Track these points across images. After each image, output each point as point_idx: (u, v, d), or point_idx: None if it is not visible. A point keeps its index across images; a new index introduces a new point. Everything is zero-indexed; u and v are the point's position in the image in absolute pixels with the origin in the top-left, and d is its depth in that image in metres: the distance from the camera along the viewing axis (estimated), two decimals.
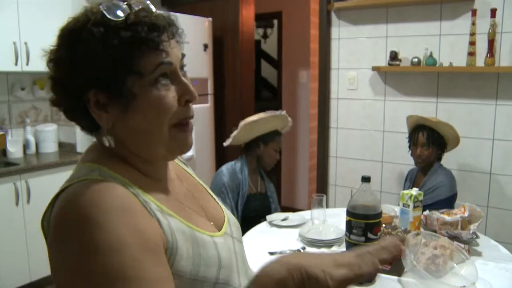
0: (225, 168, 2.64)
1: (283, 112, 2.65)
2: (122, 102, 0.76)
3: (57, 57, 0.78)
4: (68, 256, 0.67)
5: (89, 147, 0.87)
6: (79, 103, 0.78)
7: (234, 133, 2.63)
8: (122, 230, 0.67)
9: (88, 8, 0.77)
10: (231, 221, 1.01)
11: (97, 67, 0.74)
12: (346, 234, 1.56)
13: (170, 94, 0.79)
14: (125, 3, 0.77)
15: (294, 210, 2.62)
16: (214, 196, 1.06)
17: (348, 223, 1.54)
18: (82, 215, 0.67)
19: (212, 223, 0.93)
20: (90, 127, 0.83)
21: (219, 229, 0.93)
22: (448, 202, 2.49)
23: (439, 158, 2.68)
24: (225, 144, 2.68)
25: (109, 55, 0.74)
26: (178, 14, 3.66)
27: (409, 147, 2.73)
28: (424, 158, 2.62)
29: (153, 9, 0.80)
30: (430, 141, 2.59)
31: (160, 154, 0.83)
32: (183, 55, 0.85)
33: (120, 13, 0.75)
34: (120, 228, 0.67)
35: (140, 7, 0.78)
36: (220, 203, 1.05)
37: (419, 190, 2.50)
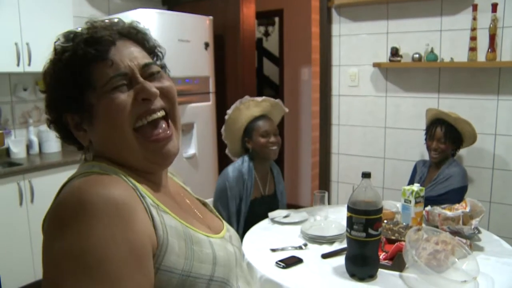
0: (232, 170, 2.44)
1: (245, 99, 2.47)
2: (87, 116, 0.82)
3: (45, 88, 0.87)
4: (58, 240, 0.67)
5: (83, 163, 0.90)
6: (65, 129, 0.87)
7: (227, 147, 2.58)
8: (111, 231, 0.67)
9: (58, 38, 0.86)
10: (231, 231, 1.03)
11: (60, 91, 0.82)
12: (347, 230, 1.56)
13: (122, 96, 0.81)
14: (87, 24, 0.85)
15: (297, 207, 2.61)
16: (214, 211, 1.09)
17: (349, 219, 1.54)
18: (80, 204, 0.68)
19: (209, 229, 0.94)
20: (81, 147, 0.90)
21: (217, 233, 0.94)
22: (460, 192, 2.50)
23: (453, 154, 2.70)
24: (233, 158, 2.61)
25: (63, 77, 0.81)
26: (179, 13, 3.67)
27: (425, 139, 2.73)
28: (440, 152, 2.62)
29: (115, 22, 0.87)
30: (447, 136, 2.59)
31: (138, 163, 0.84)
32: (147, 64, 0.85)
33: (68, 39, 0.83)
34: (110, 227, 0.67)
35: (88, 27, 0.85)
36: (219, 216, 1.07)
37: (433, 182, 2.54)
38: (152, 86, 0.83)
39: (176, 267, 0.75)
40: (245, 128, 2.50)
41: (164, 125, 0.86)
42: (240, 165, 2.46)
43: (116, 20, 0.88)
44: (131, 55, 0.83)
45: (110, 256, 0.66)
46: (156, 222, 0.76)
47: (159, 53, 0.94)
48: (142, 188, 0.79)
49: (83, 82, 0.80)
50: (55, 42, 0.84)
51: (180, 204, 0.92)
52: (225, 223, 1.04)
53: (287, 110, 2.66)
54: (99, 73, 0.80)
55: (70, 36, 0.82)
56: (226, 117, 2.49)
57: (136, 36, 0.88)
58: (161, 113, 0.85)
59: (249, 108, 2.47)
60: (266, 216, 2.33)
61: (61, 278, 0.65)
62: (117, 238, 0.67)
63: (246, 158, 2.50)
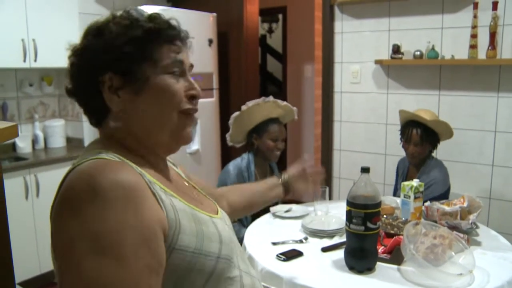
0: (232, 167, 2.54)
1: (268, 99, 2.52)
2: (136, 86, 0.85)
3: (82, 46, 0.87)
4: (69, 223, 0.71)
5: (92, 141, 0.92)
6: (93, 89, 0.86)
7: (229, 132, 2.59)
8: (124, 215, 0.71)
9: (113, 12, 0.90)
10: (224, 213, 1.08)
11: (118, 51, 0.84)
12: (346, 224, 1.59)
13: (179, 85, 0.89)
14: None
15: (299, 202, 2.63)
16: (207, 195, 1.13)
17: (348, 213, 1.57)
18: (92, 188, 0.71)
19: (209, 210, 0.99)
20: (98, 116, 0.90)
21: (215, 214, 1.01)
22: (443, 198, 2.49)
23: (431, 151, 2.65)
24: (229, 143, 2.66)
25: (131, 42, 0.84)
26: (183, 10, 3.70)
27: (401, 139, 2.69)
28: (416, 156, 2.58)
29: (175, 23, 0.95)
30: (423, 138, 2.53)
31: (164, 141, 0.90)
32: (192, 66, 0.97)
33: (144, 12, 0.90)
34: (123, 212, 0.71)
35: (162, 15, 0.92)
36: (213, 200, 1.12)
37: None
38: (199, 87, 0.94)
39: (189, 246, 0.80)
40: (257, 125, 2.55)
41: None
42: (240, 162, 2.55)
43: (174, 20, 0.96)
44: (187, 51, 0.95)
45: (123, 239, 0.69)
46: (167, 205, 0.80)
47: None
48: (148, 175, 0.83)
49: (148, 53, 0.86)
50: (127, 11, 0.90)
51: (182, 189, 0.97)
52: (217, 206, 1.09)
53: (296, 117, 2.72)
54: (166, 52, 0.88)
55: (137, 14, 0.89)
56: (244, 107, 2.52)
57: (188, 40, 0.97)
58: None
59: (269, 108, 2.53)
60: (268, 210, 2.37)
61: (79, 258, 0.68)
62: (129, 222, 0.71)
63: (245, 156, 2.58)
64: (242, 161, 2.56)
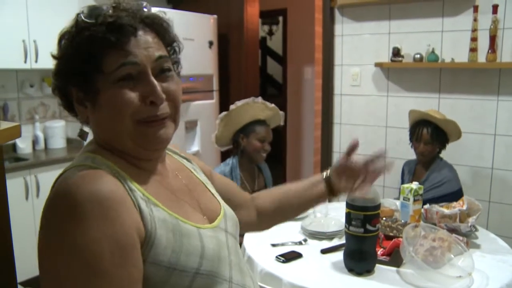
0: (217, 171, 2.53)
1: (257, 99, 2.51)
2: (91, 98, 0.82)
3: (54, 60, 0.86)
4: (49, 236, 0.73)
5: (89, 141, 0.92)
6: (68, 100, 0.87)
7: (215, 133, 2.58)
8: (101, 226, 0.71)
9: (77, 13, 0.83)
10: (228, 215, 1.01)
11: (70, 65, 0.82)
12: (345, 226, 1.60)
13: (131, 93, 0.80)
14: (113, 5, 0.83)
15: None
16: (213, 191, 1.07)
17: (348, 215, 1.58)
18: (70, 202, 0.72)
19: (204, 216, 0.94)
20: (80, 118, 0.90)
21: (212, 222, 0.94)
22: (457, 196, 2.51)
23: (440, 152, 2.70)
24: (215, 145, 2.66)
25: (77, 53, 0.80)
26: (183, 12, 3.71)
27: (410, 140, 2.73)
28: (427, 155, 2.63)
29: (143, 7, 0.86)
30: (434, 137, 2.58)
31: (130, 148, 0.85)
32: (161, 57, 0.85)
33: (91, 14, 0.81)
34: (100, 223, 0.71)
35: (114, 6, 0.83)
36: (219, 197, 1.06)
37: (422, 184, 2.54)
38: (160, 90, 0.83)
39: (162, 260, 0.77)
40: (244, 125, 2.55)
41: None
42: (222, 167, 2.56)
43: (144, 4, 0.87)
44: (148, 45, 0.83)
45: (102, 251, 0.70)
46: (145, 214, 0.78)
47: (176, 48, 0.93)
48: (131, 182, 0.81)
49: (95, 64, 0.80)
50: (77, 14, 0.82)
51: (175, 192, 0.92)
52: (223, 205, 1.03)
53: (282, 123, 2.73)
54: (111, 59, 0.79)
55: (94, 13, 0.80)
56: (233, 106, 2.51)
57: (159, 26, 0.87)
58: (163, 117, 0.85)
59: (257, 109, 2.53)
60: None
61: (59, 272, 0.70)
62: (107, 233, 0.71)
63: (229, 160, 2.58)
64: (226, 166, 2.56)
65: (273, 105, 2.57)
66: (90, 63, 0.80)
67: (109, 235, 0.70)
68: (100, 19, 0.80)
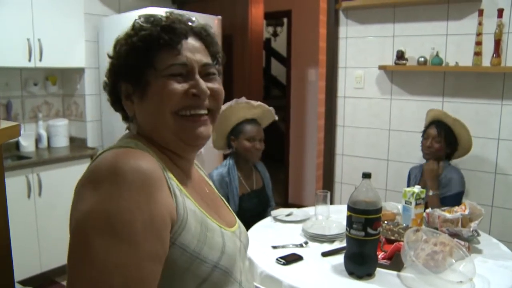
0: (215, 175, 2.53)
1: (240, 100, 2.52)
2: (140, 91, 0.89)
3: (109, 59, 0.94)
4: (88, 196, 0.75)
5: (124, 135, 0.97)
6: (116, 98, 0.96)
7: (213, 138, 2.60)
8: (138, 198, 0.74)
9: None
10: (241, 229, 1.08)
11: (125, 61, 0.90)
12: (346, 229, 1.59)
13: (177, 85, 0.89)
14: (167, 14, 0.95)
15: (301, 207, 2.64)
16: (228, 205, 1.14)
17: (349, 218, 1.57)
18: (113, 169, 0.75)
19: (223, 221, 0.99)
20: (125, 117, 0.97)
21: (230, 227, 1.00)
22: (458, 198, 2.51)
23: (448, 157, 2.69)
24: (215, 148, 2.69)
25: (132, 49, 0.89)
26: (188, 12, 3.71)
27: (422, 136, 2.74)
28: (433, 151, 2.62)
29: (193, 20, 0.97)
30: (442, 135, 2.60)
31: (170, 141, 0.91)
32: (207, 64, 0.94)
33: (147, 20, 0.91)
34: (138, 195, 0.74)
35: (167, 16, 0.94)
36: (233, 212, 1.12)
37: (434, 180, 2.54)
38: (205, 85, 0.91)
39: (189, 246, 0.82)
40: (233, 127, 2.56)
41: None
42: (222, 169, 2.56)
43: (193, 18, 0.98)
44: (196, 51, 0.92)
45: (133, 221, 0.72)
46: (179, 201, 0.82)
47: (219, 59, 1.02)
48: (169, 172, 0.86)
49: (148, 60, 0.88)
50: (135, 20, 0.92)
51: (201, 194, 0.97)
52: (237, 220, 1.09)
53: (277, 118, 2.71)
54: (163, 58, 0.88)
55: (150, 19, 0.91)
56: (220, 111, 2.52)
57: (205, 37, 0.96)
58: (204, 112, 0.93)
59: (242, 109, 2.54)
60: (256, 210, 2.39)
61: (90, 234, 0.71)
62: (141, 206, 0.74)
63: (226, 161, 2.60)
64: (224, 167, 2.57)
65: (258, 102, 2.57)
66: (143, 59, 0.88)
67: (143, 208, 0.74)
68: (156, 23, 0.90)
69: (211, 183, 1.16)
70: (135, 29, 0.91)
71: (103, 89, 0.99)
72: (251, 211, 2.46)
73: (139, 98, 0.90)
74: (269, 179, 2.78)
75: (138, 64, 0.89)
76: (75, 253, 0.72)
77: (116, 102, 0.97)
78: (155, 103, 0.89)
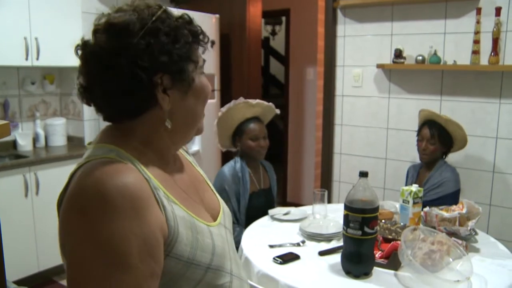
0: (227, 169, 2.54)
1: (238, 101, 2.52)
2: (184, 86, 0.89)
3: (123, 45, 0.84)
4: (79, 226, 0.74)
5: (102, 130, 0.93)
6: (132, 88, 0.84)
7: (218, 139, 2.63)
8: (130, 224, 0.73)
9: (143, 8, 0.87)
10: (225, 211, 1.08)
11: (173, 53, 0.86)
12: (343, 228, 1.59)
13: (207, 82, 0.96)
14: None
15: (299, 206, 2.63)
16: (211, 186, 1.13)
17: (346, 217, 1.57)
18: (101, 194, 0.73)
19: (209, 214, 0.99)
20: (123, 113, 0.89)
21: (215, 219, 1.00)
22: (453, 197, 2.51)
23: (444, 156, 2.70)
24: (221, 149, 2.71)
25: (183, 44, 0.87)
26: (185, 11, 3.70)
27: (417, 141, 2.74)
28: (428, 153, 2.62)
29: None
30: (436, 136, 2.59)
31: (192, 134, 0.97)
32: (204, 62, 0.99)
33: (177, 16, 0.91)
34: (129, 221, 0.73)
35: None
36: (216, 194, 1.12)
37: (424, 185, 2.54)
38: None
39: (183, 255, 0.82)
40: (236, 128, 2.57)
41: None
42: (233, 165, 2.56)
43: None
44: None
45: (128, 246, 0.72)
46: (168, 213, 0.81)
47: None
48: (154, 180, 0.84)
49: (193, 55, 0.90)
50: (168, 12, 0.91)
51: (185, 190, 0.95)
52: (220, 201, 1.10)
53: (278, 112, 2.70)
54: (199, 54, 0.93)
55: (183, 16, 0.92)
56: (219, 114, 2.55)
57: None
58: None
59: (241, 109, 2.54)
60: (264, 209, 2.39)
61: (87, 263, 0.72)
62: (134, 230, 0.73)
63: (237, 158, 2.59)
64: (236, 163, 2.57)
65: (256, 100, 2.57)
66: (187, 52, 0.88)
67: (137, 233, 0.73)
68: (188, 19, 0.92)
69: (194, 162, 1.15)
70: (182, 22, 0.89)
71: (82, 80, 0.94)
72: (258, 210, 2.46)
73: (184, 92, 0.89)
74: (275, 181, 2.79)
75: (185, 58, 0.88)
76: (74, 283, 0.74)
77: (120, 97, 0.86)
78: (200, 99, 0.93)
